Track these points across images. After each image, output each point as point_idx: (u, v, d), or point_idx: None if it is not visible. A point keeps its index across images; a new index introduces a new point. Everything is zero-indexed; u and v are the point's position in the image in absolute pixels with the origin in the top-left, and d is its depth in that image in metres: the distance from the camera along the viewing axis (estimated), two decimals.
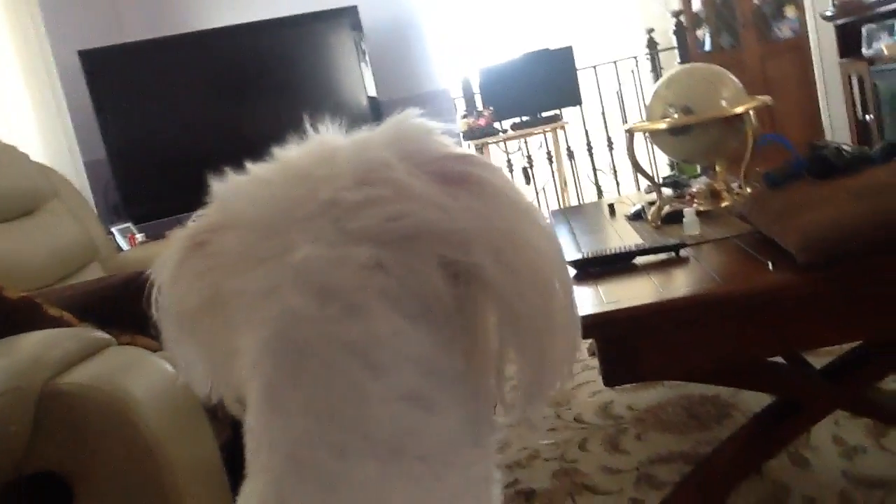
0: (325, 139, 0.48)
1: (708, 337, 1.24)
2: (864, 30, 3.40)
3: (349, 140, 0.48)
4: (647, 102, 1.84)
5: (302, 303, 0.42)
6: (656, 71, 4.10)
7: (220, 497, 1.19)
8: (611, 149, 4.10)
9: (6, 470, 1.05)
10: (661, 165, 3.78)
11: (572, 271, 1.46)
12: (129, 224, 3.28)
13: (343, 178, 0.45)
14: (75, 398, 1.08)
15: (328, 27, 3.76)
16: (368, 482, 0.41)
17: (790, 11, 4.51)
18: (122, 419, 1.08)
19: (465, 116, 3.90)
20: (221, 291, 0.46)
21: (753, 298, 1.22)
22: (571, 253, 1.61)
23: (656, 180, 1.95)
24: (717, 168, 1.85)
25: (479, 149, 3.77)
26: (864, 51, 3.40)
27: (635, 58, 4.17)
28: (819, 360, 1.54)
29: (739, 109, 1.67)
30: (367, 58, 3.76)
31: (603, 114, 4.11)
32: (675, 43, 4.16)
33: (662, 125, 1.73)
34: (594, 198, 4.05)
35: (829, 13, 3.66)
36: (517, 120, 3.87)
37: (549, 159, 4.02)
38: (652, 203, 1.85)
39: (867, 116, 3.45)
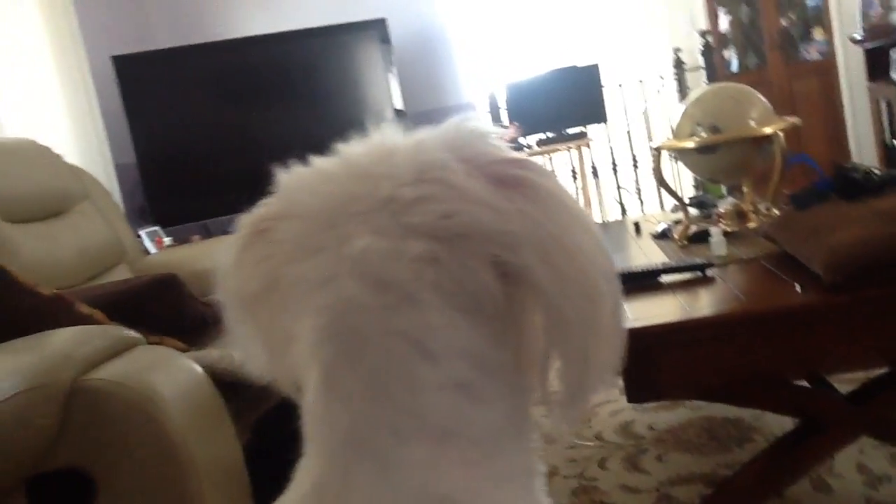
0: (385, 138, 0.50)
1: (732, 356, 1.23)
2: (893, 53, 3.38)
3: (408, 140, 0.50)
4: (675, 121, 1.84)
5: (358, 291, 0.44)
6: (682, 90, 4.10)
7: (241, 497, 1.20)
8: (635, 167, 4.10)
9: (33, 464, 1.07)
10: (686, 185, 3.77)
11: None
12: (156, 227, 3.32)
13: (401, 176, 0.46)
14: (103, 395, 1.10)
15: (356, 39, 3.80)
16: (421, 462, 0.43)
17: (818, 34, 4.49)
18: (149, 416, 1.10)
19: None
20: (281, 278, 0.48)
21: (779, 318, 1.21)
22: None
23: (683, 200, 1.95)
24: (745, 189, 1.84)
25: None
26: (893, 75, 3.37)
27: (661, 77, 4.17)
28: (844, 386, 1.52)
29: (768, 130, 1.67)
30: (394, 70, 3.79)
31: (628, 132, 4.11)
32: (701, 63, 4.15)
33: (690, 143, 1.73)
34: (617, 216, 4.04)
35: (857, 36, 3.64)
36: (542, 136, 3.88)
37: (574, 176, 4.02)
38: (678, 222, 1.84)
39: (895, 140, 3.41)
